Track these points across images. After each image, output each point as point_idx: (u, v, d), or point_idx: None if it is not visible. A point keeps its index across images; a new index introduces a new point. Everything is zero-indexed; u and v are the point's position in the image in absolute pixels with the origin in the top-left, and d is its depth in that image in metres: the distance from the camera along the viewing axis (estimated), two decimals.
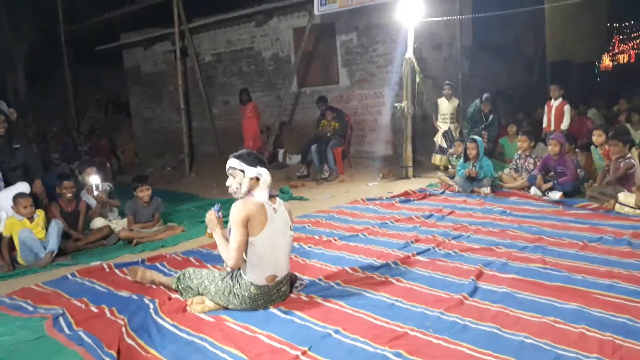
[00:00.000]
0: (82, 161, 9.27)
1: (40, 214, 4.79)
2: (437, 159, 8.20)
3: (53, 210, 5.22)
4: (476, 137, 6.62)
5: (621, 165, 5.41)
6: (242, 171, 2.97)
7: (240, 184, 2.98)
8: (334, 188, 7.56)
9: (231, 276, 3.06)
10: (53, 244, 4.56)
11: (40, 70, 15.75)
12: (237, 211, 2.92)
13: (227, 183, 3.04)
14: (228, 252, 2.92)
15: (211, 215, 3.09)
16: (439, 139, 8.17)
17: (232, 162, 3.01)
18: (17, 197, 4.64)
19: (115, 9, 12.70)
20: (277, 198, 3.12)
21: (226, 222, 3.07)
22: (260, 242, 2.92)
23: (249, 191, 2.98)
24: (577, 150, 6.75)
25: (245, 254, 2.95)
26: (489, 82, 10.19)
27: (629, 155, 5.46)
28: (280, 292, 3.08)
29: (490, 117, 7.93)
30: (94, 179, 5.72)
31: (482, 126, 7.94)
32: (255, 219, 2.91)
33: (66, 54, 13.57)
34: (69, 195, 5.31)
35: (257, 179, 2.98)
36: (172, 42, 11.00)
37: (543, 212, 5.14)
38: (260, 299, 3.00)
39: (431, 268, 3.56)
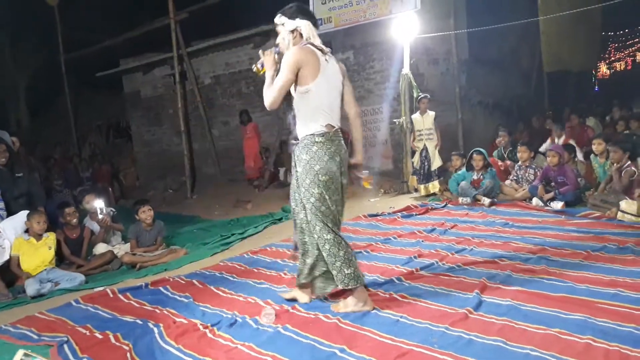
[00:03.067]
0: (82, 189, 9.32)
1: (51, 236, 4.84)
2: (414, 180, 7.50)
3: (58, 238, 5.24)
4: (482, 150, 6.68)
5: (622, 174, 5.42)
6: (283, 24, 3.04)
7: (283, 38, 3.04)
8: None
9: (303, 170, 2.98)
10: (64, 286, 4.60)
11: (41, 98, 15.93)
12: (290, 54, 2.92)
13: (277, 40, 3.10)
14: (271, 90, 2.94)
15: (270, 55, 3.08)
16: (415, 160, 7.37)
17: (276, 19, 3.07)
18: (31, 214, 4.74)
19: (114, 35, 12.87)
20: (328, 49, 3.10)
21: None
22: (315, 90, 2.92)
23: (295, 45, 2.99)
24: (576, 159, 6.77)
25: (299, 110, 3.00)
26: (486, 94, 10.27)
27: (629, 162, 5.47)
28: (341, 147, 3.05)
29: (509, 149, 7.85)
30: (98, 203, 5.75)
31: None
32: (309, 64, 2.89)
33: (67, 82, 13.72)
34: (74, 221, 5.35)
35: (300, 33, 3.02)
36: (171, 66, 11.12)
37: (545, 223, 5.13)
38: (329, 144, 2.96)
39: (435, 283, 3.55)
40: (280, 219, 6.65)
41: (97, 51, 13.27)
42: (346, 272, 3.02)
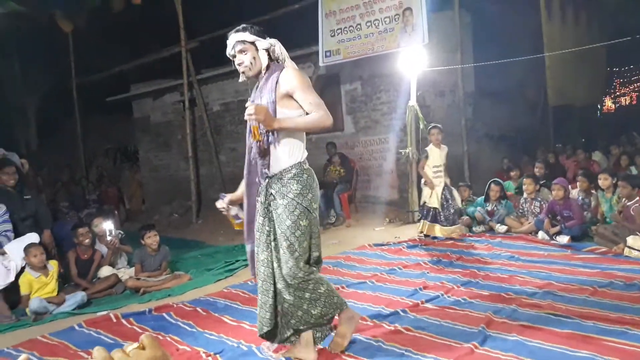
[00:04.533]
0: (89, 212, 9.36)
1: (54, 266, 4.86)
2: (428, 227, 6.32)
3: (70, 257, 5.27)
4: (500, 181, 6.75)
5: (632, 211, 5.37)
6: (253, 43, 2.72)
7: (254, 57, 2.72)
8: (341, 233, 7.56)
9: (298, 194, 2.71)
10: (66, 307, 4.59)
11: (51, 121, 16.14)
12: (300, 75, 2.68)
13: (237, 61, 2.75)
14: (319, 111, 2.62)
15: (261, 107, 2.56)
16: (435, 200, 6.24)
17: (240, 36, 2.71)
18: (27, 247, 4.71)
19: (126, 62, 13.11)
20: None
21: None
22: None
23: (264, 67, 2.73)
24: (592, 191, 6.71)
25: (287, 137, 2.70)
26: (492, 127, 10.34)
27: (637, 198, 5.43)
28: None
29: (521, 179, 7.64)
30: (107, 225, 5.78)
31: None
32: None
33: (77, 105, 13.93)
34: (87, 241, 5.38)
35: (272, 53, 2.76)
36: (181, 92, 11.29)
37: (551, 257, 5.11)
38: (312, 172, 2.83)
39: (440, 316, 3.53)
40: None
41: (108, 76, 13.50)
42: (333, 300, 2.88)
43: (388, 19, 7.57)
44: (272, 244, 2.77)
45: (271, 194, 2.77)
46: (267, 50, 2.76)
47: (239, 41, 2.73)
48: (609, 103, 22.20)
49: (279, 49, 2.80)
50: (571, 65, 10.55)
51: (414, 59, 7.34)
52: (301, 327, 2.85)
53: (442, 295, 4.01)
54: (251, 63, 2.74)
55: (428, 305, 3.81)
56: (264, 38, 2.77)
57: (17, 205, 5.14)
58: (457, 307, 3.69)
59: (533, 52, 9.04)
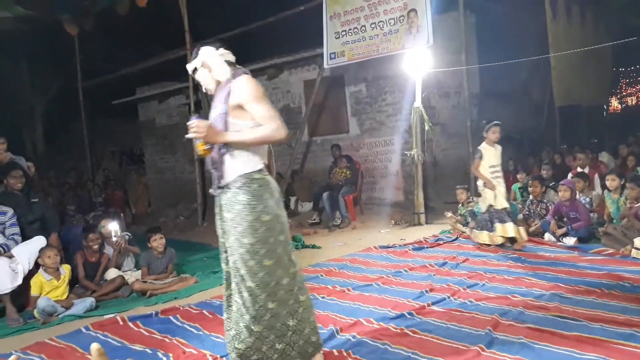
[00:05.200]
0: (95, 214, 9.40)
1: (67, 270, 4.91)
2: (503, 229, 5.61)
3: (78, 259, 5.31)
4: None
5: (637, 211, 5.35)
6: (211, 56, 2.76)
7: (217, 71, 2.74)
8: (346, 235, 7.56)
9: (247, 209, 2.58)
10: (75, 311, 4.62)
11: (57, 124, 16.25)
12: (253, 85, 2.62)
13: (200, 79, 2.78)
14: (270, 124, 2.53)
15: (202, 123, 2.55)
16: (502, 200, 5.70)
17: (199, 57, 2.76)
18: (43, 249, 4.78)
19: (131, 65, 13.18)
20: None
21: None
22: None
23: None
24: (593, 191, 6.69)
25: (239, 146, 2.61)
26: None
27: None
28: (276, 186, 2.73)
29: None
30: (112, 226, 5.81)
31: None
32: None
33: (83, 108, 14.01)
34: (96, 247, 5.42)
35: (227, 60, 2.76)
36: (187, 95, 11.32)
37: (558, 259, 5.08)
38: (267, 183, 2.64)
39: (447, 318, 3.52)
40: None
41: (114, 79, 13.57)
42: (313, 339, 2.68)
43: (393, 21, 7.56)
44: (229, 258, 2.70)
45: (222, 205, 2.71)
46: (212, 64, 2.75)
47: (189, 66, 2.80)
48: (615, 103, 22.10)
49: (231, 57, 2.78)
50: (577, 65, 10.51)
51: (418, 61, 7.33)
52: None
53: (449, 297, 4.00)
54: (206, 80, 2.77)
55: (434, 307, 3.80)
56: (218, 49, 2.77)
57: (25, 209, 5.18)
58: (464, 310, 3.68)
59: (538, 53, 9.02)
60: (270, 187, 2.66)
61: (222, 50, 2.78)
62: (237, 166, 2.62)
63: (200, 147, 2.60)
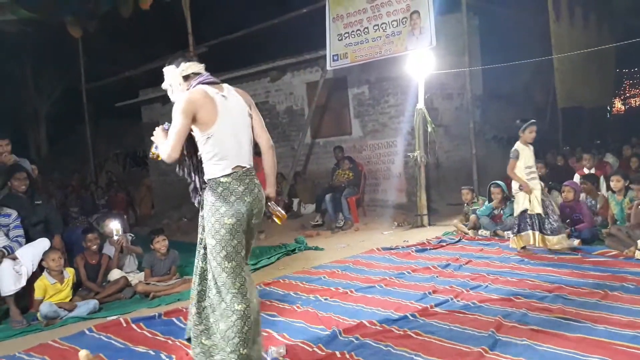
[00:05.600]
0: (98, 216, 9.41)
1: (70, 274, 4.92)
2: (535, 237, 5.34)
3: (79, 262, 5.32)
4: (499, 183, 6.65)
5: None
6: (171, 74, 2.91)
7: (170, 84, 2.93)
8: (349, 237, 7.55)
9: (202, 210, 2.80)
10: (78, 313, 4.63)
11: (61, 126, 16.31)
12: (181, 100, 2.71)
13: (172, 98, 2.89)
14: (167, 141, 2.68)
15: (160, 130, 2.86)
16: (537, 206, 5.34)
17: (165, 80, 2.96)
18: (47, 252, 4.78)
19: (135, 67, 13.22)
20: (224, 84, 2.88)
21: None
22: (219, 132, 2.70)
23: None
24: (599, 192, 6.66)
25: (203, 154, 2.75)
26: (501, 129, 10.30)
27: None
28: (251, 189, 2.78)
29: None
30: (114, 224, 5.81)
31: None
32: (204, 108, 2.68)
33: (87, 110, 14.06)
34: (94, 247, 5.42)
35: (191, 75, 2.88)
36: None
37: (561, 260, 5.07)
38: (236, 184, 2.73)
39: (450, 320, 3.52)
40: (293, 250, 6.65)
41: (117, 82, 13.62)
42: (242, 351, 2.68)
43: (395, 22, 7.57)
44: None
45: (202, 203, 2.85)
46: (186, 76, 2.89)
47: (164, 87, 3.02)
48: (618, 104, 22.04)
49: (194, 68, 2.89)
50: (580, 66, 10.50)
51: (421, 62, 7.34)
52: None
53: (452, 299, 4.00)
54: (170, 87, 2.97)
55: (437, 309, 3.79)
56: (178, 65, 2.90)
57: (28, 211, 5.19)
58: (467, 311, 3.68)
59: (541, 54, 9.01)
60: (239, 190, 2.74)
61: (183, 66, 2.89)
62: (207, 169, 2.78)
63: (151, 149, 2.94)
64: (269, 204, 2.98)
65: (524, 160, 5.46)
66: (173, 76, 2.90)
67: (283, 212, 3.06)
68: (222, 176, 2.72)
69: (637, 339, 2.94)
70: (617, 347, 2.85)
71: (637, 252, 4.90)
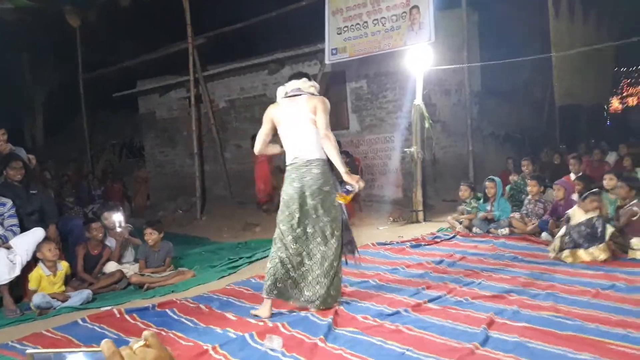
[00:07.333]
0: (93, 207, 9.38)
1: (64, 267, 4.89)
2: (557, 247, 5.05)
3: (80, 251, 5.30)
4: (494, 178, 6.70)
5: (621, 211, 5.30)
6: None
7: (299, 87, 3.90)
8: None
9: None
10: (72, 303, 4.62)
11: (58, 116, 16.21)
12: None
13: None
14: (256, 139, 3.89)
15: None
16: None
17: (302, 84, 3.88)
18: (42, 243, 4.76)
19: (132, 57, 13.15)
20: (298, 97, 3.79)
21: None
22: (282, 135, 3.85)
23: None
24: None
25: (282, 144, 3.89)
26: (498, 126, 10.32)
27: (634, 202, 5.31)
28: (306, 174, 3.72)
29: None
30: (117, 217, 5.79)
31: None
32: (275, 117, 3.83)
33: (84, 100, 13.98)
34: (100, 236, 5.41)
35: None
36: (187, 89, 11.30)
37: (554, 259, 5.08)
38: (293, 172, 3.77)
39: (443, 316, 3.53)
40: None
41: (115, 72, 13.55)
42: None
43: (395, 17, 7.55)
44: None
45: None
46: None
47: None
48: (616, 103, 22.08)
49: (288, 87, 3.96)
50: (578, 64, 10.51)
51: (420, 57, 7.33)
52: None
53: (445, 295, 4.01)
54: None
55: (430, 305, 3.81)
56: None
57: (24, 200, 5.17)
58: (459, 308, 3.69)
59: (540, 52, 9.02)
60: (291, 177, 3.80)
61: (309, 83, 3.95)
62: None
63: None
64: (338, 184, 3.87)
65: None
66: (302, 86, 3.88)
67: (349, 193, 3.71)
68: (288, 165, 3.84)
69: (627, 338, 2.96)
70: (607, 345, 2.87)
71: (630, 251, 4.91)
